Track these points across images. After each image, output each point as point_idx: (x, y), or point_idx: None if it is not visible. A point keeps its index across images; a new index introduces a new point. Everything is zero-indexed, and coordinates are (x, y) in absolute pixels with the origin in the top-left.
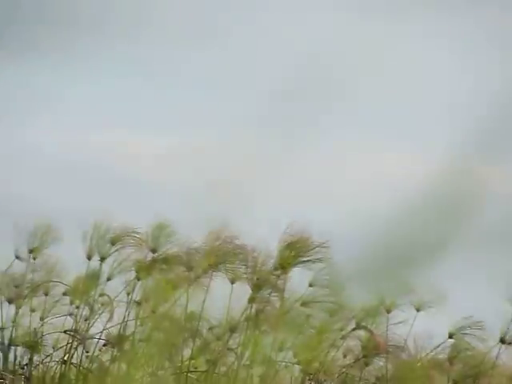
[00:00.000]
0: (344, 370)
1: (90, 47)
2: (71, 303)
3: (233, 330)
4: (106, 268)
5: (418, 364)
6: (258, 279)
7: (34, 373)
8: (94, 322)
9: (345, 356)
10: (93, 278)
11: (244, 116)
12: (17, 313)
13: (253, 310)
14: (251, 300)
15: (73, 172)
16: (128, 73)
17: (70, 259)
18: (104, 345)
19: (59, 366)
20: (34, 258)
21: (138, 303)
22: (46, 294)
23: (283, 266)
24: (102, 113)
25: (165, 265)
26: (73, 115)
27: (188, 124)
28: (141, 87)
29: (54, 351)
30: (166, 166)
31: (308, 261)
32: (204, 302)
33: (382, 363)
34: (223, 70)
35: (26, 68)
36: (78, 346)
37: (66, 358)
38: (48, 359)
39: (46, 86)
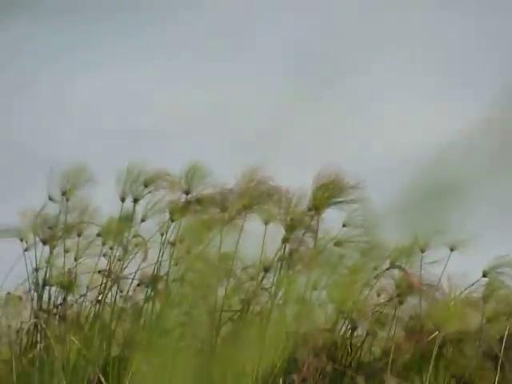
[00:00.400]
0: (378, 308)
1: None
2: (104, 244)
3: (266, 269)
4: (140, 210)
5: (452, 303)
6: (291, 220)
7: (68, 312)
8: (128, 263)
9: (378, 295)
10: (126, 219)
11: (282, 65)
12: (51, 253)
13: (286, 250)
14: (285, 240)
15: (110, 123)
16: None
17: (104, 201)
18: (138, 285)
19: (93, 306)
20: (67, 200)
21: (172, 244)
22: (80, 235)
23: (317, 206)
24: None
25: (198, 206)
26: (109, 67)
27: (223, 76)
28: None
29: (88, 291)
30: (203, 117)
31: (342, 201)
32: (238, 242)
33: (415, 302)
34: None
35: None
36: (112, 286)
37: (100, 298)
38: (82, 299)
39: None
